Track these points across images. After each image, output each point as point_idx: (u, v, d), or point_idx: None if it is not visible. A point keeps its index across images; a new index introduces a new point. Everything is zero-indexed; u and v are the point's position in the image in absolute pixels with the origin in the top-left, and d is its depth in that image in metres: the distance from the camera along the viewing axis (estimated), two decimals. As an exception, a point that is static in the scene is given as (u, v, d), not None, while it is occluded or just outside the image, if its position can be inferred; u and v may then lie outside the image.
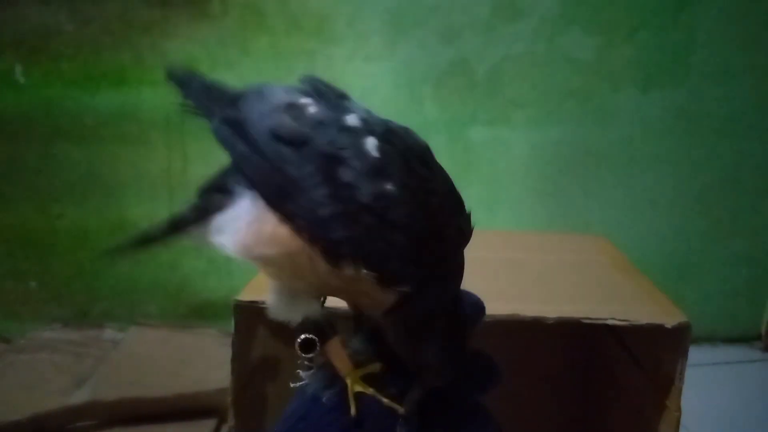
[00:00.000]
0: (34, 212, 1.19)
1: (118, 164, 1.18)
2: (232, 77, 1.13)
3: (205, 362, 0.99)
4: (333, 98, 0.40)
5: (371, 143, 0.37)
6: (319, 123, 0.38)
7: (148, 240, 0.46)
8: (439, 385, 0.41)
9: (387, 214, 0.36)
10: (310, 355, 0.41)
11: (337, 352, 0.40)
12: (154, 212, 1.20)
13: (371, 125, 0.39)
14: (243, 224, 0.39)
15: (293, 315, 0.41)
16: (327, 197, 0.36)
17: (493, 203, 1.18)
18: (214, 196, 0.42)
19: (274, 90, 0.41)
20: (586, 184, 1.23)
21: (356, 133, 0.38)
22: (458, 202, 0.41)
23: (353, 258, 0.36)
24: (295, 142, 0.38)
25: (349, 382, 0.40)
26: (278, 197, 0.38)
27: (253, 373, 0.73)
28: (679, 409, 0.62)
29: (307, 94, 0.40)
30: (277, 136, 0.38)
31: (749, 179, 1.25)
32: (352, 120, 0.38)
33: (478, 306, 0.46)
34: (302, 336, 0.41)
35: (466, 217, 0.41)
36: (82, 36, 1.14)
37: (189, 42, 1.14)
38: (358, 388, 0.40)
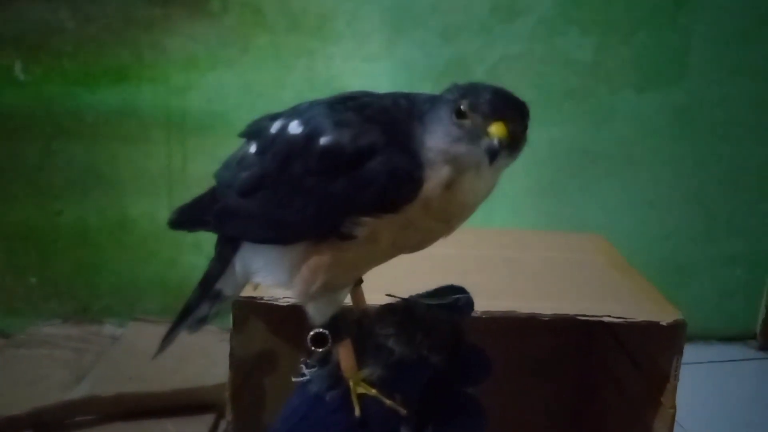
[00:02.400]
0: (35, 209, 1.20)
1: (119, 161, 1.18)
2: (232, 75, 1.15)
3: (203, 358, 1.00)
4: (265, 122, 0.41)
5: (293, 126, 0.38)
6: (260, 153, 0.39)
7: (188, 312, 0.47)
8: (448, 345, 0.42)
9: (341, 160, 0.35)
10: (320, 350, 0.41)
11: (346, 353, 0.40)
12: (154, 209, 1.20)
13: (292, 114, 0.39)
14: (285, 278, 0.40)
15: (332, 310, 0.41)
16: (302, 201, 0.37)
17: (490, 202, 1.17)
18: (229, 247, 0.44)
19: (228, 160, 0.43)
20: (584, 184, 1.24)
21: (281, 131, 0.38)
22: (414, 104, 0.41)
23: (355, 221, 0.36)
24: (255, 186, 0.39)
25: (352, 383, 0.40)
26: (282, 236, 0.39)
27: (251, 368, 0.74)
28: (674, 406, 0.63)
29: (249, 141, 0.42)
30: (243, 194, 0.39)
31: (746, 179, 1.26)
32: (275, 127, 0.39)
33: (484, 365, 0.46)
34: (315, 330, 0.41)
35: None
36: (83, 33, 1.14)
37: (189, 40, 1.15)
38: (361, 390, 0.40)
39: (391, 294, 0.45)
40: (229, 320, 0.64)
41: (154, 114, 1.17)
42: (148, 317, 1.17)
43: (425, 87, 1.16)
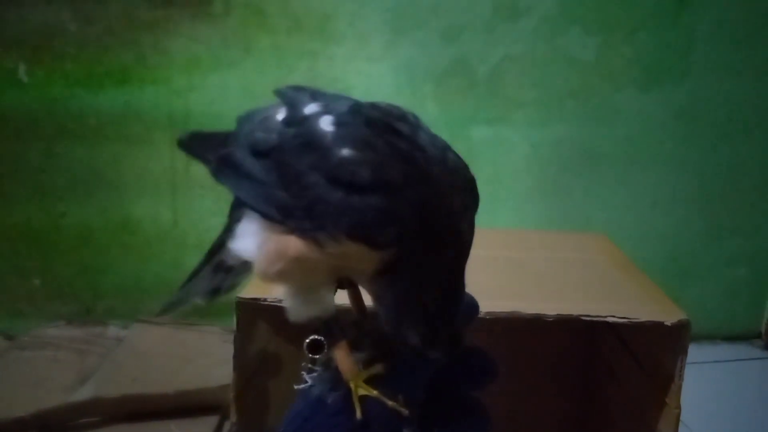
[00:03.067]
0: (38, 210, 1.20)
1: (122, 163, 1.18)
2: (234, 76, 1.15)
3: (207, 359, 1.00)
4: (304, 97, 0.41)
5: (326, 120, 0.38)
6: (285, 124, 0.39)
7: (197, 273, 0.47)
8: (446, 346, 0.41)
9: (354, 179, 0.35)
10: (317, 356, 0.41)
11: (344, 356, 0.40)
12: (158, 211, 1.20)
13: (331, 106, 0.39)
14: (254, 250, 0.40)
15: (310, 312, 0.40)
16: (299, 189, 0.37)
17: (493, 202, 1.18)
18: (237, 212, 0.43)
19: (256, 111, 0.43)
20: (587, 183, 1.24)
21: (313, 118, 0.38)
22: (454, 171, 0.39)
23: (335, 236, 0.36)
24: (267, 151, 0.39)
25: (352, 385, 0.40)
26: (268, 211, 0.38)
27: (255, 370, 0.74)
28: (678, 407, 0.62)
29: (281, 103, 0.42)
30: (255, 153, 0.39)
31: (750, 178, 1.26)
32: (310, 108, 0.39)
33: (471, 305, 0.46)
34: (310, 337, 0.41)
35: (469, 191, 0.40)
36: (86, 35, 1.14)
37: (191, 41, 1.15)
38: (362, 392, 0.39)
39: None
40: (233, 321, 0.64)
41: (156, 115, 1.17)
42: (151, 318, 1.17)
43: (427, 87, 1.17)
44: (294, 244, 0.37)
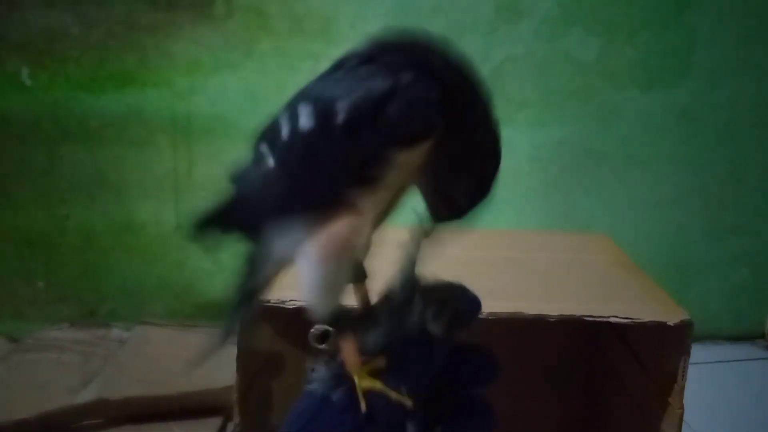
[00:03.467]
0: (41, 213, 1.20)
1: (125, 165, 1.19)
2: (235, 79, 1.16)
3: (210, 361, 1.00)
4: (268, 134, 0.41)
5: (303, 120, 0.38)
6: (279, 162, 0.40)
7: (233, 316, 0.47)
8: (451, 318, 0.42)
9: (363, 111, 0.36)
10: (323, 346, 0.41)
11: (349, 347, 0.41)
12: (161, 213, 1.21)
13: (290, 111, 0.39)
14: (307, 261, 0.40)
15: (333, 302, 0.41)
16: (323, 172, 0.37)
17: (495, 203, 1.18)
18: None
19: (238, 169, 0.44)
20: (588, 184, 1.24)
21: (292, 131, 0.38)
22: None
23: (387, 160, 0.37)
24: (275, 179, 0.40)
25: (356, 378, 0.40)
26: (305, 204, 0.39)
27: (259, 371, 0.74)
28: (681, 407, 0.62)
29: (258, 153, 0.42)
30: (267, 184, 0.40)
31: (752, 178, 1.26)
32: (284, 131, 0.39)
33: (474, 303, 0.46)
34: (317, 327, 0.41)
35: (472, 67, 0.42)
36: (88, 39, 1.14)
37: (193, 44, 1.15)
38: (366, 384, 0.40)
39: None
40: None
41: (159, 118, 1.17)
42: (154, 321, 1.18)
43: (429, 88, 1.17)
44: (341, 218, 0.38)
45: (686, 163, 1.24)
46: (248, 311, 0.47)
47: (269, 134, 0.41)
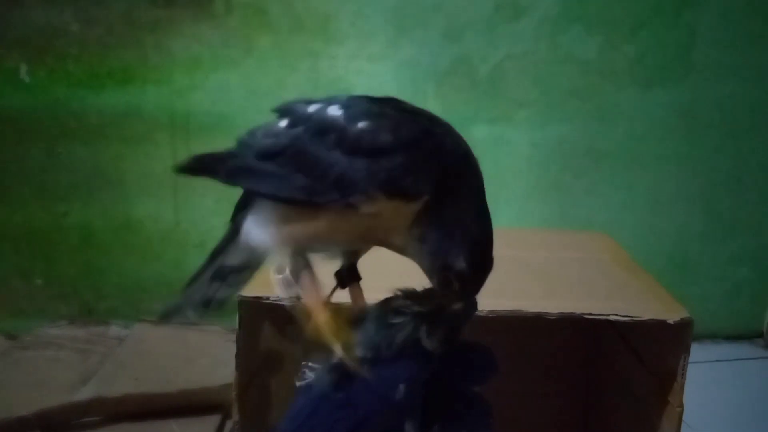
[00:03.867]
0: (40, 210, 1.20)
1: (124, 163, 1.19)
2: (235, 76, 1.16)
3: (209, 359, 1.00)
4: (301, 105, 0.43)
5: (333, 108, 0.41)
6: (291, 127, 0.42)
7: (197, 277, 0.49)
8: (457, 300, 0.43)
9: (375, 144, 0.39)
10: (280, 276, 0.42)
11: (309, 280, 0.42)
12: (159, 210, 1.20)
13: (331, 100, 0.42)
14: (269, 235, 0.43)
15: (285, 246, 0.43)
16: (321, 170, 0.39)
17: (495, 201, 1.17)
18: (241, 214, 0.46)
19: (255, 128, 0.45)
20: (588, 182, 1.24)
21: (319, 111, 0.41)
22: (455, 135, 0.44)
23: (370, 196, 0.38)
24: (277, 153, 0.41)
25: (315, 313, 0.41)
26: (290, 194, 0.41)
27: (258, 369, 0.74)
28: (681, 405, 0.62)
29: (279, 117, 0.44)
30: (264, 156, 0.42)
31: (751, 177, 1.26)
32: (312, 107, 0.42)
33: (489, 366, 0.47)
34: (280, 272, 0.42)
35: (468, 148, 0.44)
36: (87, 36, 1.14)
37: (193, 41, 1.15)
38: (323, 319, 0.41)
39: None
40: (235, 320, 0.64)
41: (158, 115, 1.17)
42: (153, 318, 1.18)
43: (429, 86, 1.17)
44: (324, 214, 0.40)
45: (686, 162, 1.24)
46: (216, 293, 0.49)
47: (294, 112, 0.43)
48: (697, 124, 1.23)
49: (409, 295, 0.43)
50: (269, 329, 0.75)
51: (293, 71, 1.16)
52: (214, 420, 0.92)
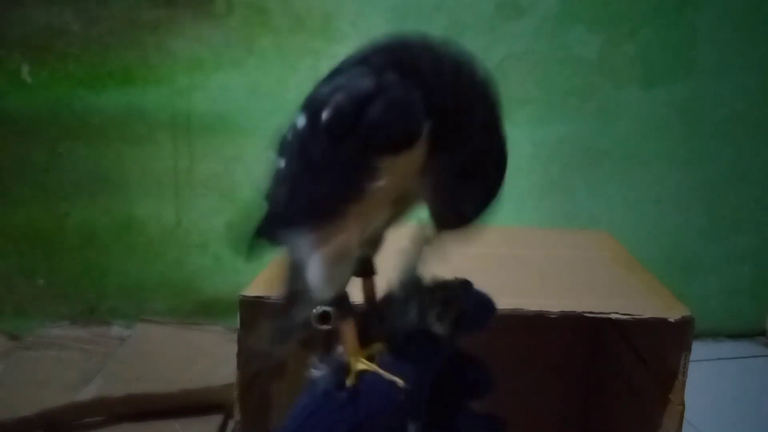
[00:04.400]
0: (42, 210, 1.20)
1: (125, 163, 1.19)
2: (236, 76, 1.16)
3: (211, 358, 1.00)
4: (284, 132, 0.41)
5: (300, 119, 0.38)
6: (286, 161, 0.40)
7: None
8: (455, 317, 0.42)
9: (343, 117, 0.36)
10: (326, 327, 0.41)
11: (349, 331, 0.41)
12: (161, 210, 1.21)
13: (302, 106, 0.39)
14: (309, 261, 0.41)
15: (335, 287, 0.41)
16: (312, 179, 0.38)
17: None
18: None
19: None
20: (589, 181, 1.24)
21: (292, 128, 0.39)
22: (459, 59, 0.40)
23: (374, 167, 0.36)
24: (285, 192, 0.40)
25: (352, 360, 0.40)
26: (312, 223, 0.39)
27: (259, 368, 0.74)
28: (682, 403, 0.62)
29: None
30: (278, 199, 0.40)
31: (753, 175, 1.25)
32: (288, 129, 0.39)
33: (487, 307, 0.46)
34: (319, 308, 0.41)
35: (477, 67, 0.40)
36: (89, 36, 1.14)
37: (194, 41, 1.15)
38: (362, 366, 0.40)
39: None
40: (236, 320, 0.64)
41: (159, 115, 1.17)
42: (155, 318, 1.18)
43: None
44: (346, 213, 0.38)
45: (687, 161, 1.24)
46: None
47: (280, 141, 0.41)
48: (698, 123, 1.22)
49: (412, 284, 0.43)
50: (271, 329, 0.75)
51: (294, 71, 1.16)
52: (216, 420, 0.92)
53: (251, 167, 1.13)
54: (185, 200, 1.20)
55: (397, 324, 0.42)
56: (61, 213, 1.21)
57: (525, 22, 1.17)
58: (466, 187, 0.39)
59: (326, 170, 0.37)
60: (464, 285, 0.45)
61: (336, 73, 0.39)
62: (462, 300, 0.43)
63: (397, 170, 0.37)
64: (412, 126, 0.36)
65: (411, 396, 0.40)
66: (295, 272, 0.44)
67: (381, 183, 0.36)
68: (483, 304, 0.46)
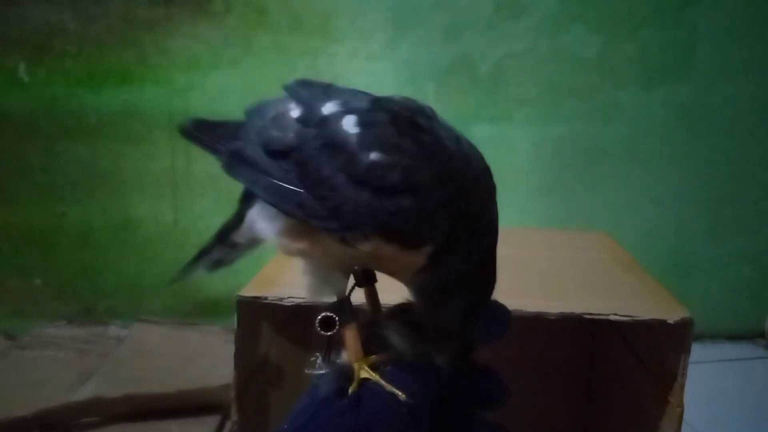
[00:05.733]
0: (39, 210, 1.20)
1: (122, 162, 1.18)
2: (234, 75, 1.15)
3: (208, 359, 1.00)
4: (317, 94, 0.41)
5: (349, 121, 0.37)
6: (302, 123, 0.39)
7: (203, 254, 0.48)
8: (456, 352, 0.42)
9: (384, 182, 0.35)
10: (328, 333, 0.41)
11: (352, 337, 0.41)
12: (158, 210, 1.20)
13: (351, 105, 0.39)
14: (271, 231, 0.41)
15: (328, 291, 0.41)
16: (324, 191, 0.37)
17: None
18: (247, 203, 0.44)
19: (266, 105, 0.43)
20: (589, 182, 1.23)
21: (334, 118, 0.38)
22: (473, 159, 0.41)
23: (367, 236, 0.36)
24: (284, 152, 0.39)
25: (355, 367, 0.40)
26: (288, 208, 0.39)
27: (256, 369, 0.74)
28: (681, 405, 0.62)
29: (292, 99, 0.42)
30: (270, 152, 0.39)
31: (752, 176, 1.25)
32: (328, 108, 0.39)
33: (503, 321, 0.46)
34: (323, 313, 0.41)
35: (489, 175, 0.42)
36: (86, 35, 1.14)
37: (192, 40, 1.15)
38: (364, 375, 0.40)
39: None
40: (234, 320, 0.64)
41: (157, 114, 1.17)
42: (152, 318, 1.18)
43: (429, 85, 1.17)
44: (314, 241, 0.38)
45: (687, 161, 1.24)
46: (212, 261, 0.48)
47: (308, 104, 0.40)
48: (698, 123, 1.22)
49: (415, 315, 0.43)
50: (268, 329, 0.75)
51: (292, 70, 1.16)
52: (213, 420, 0.92)
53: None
54: (182, 200, 1.20)
55: (400, 349, 0.42)
56: (58, 212, 1.20)
57: (524, 21, 1.16)
58: (450, 299, 0.40)
59: (332, 184, 0.37)
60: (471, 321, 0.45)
61: (416, 114, 0.39)
62: (461, 333, 0.42)
63: (382, 252, 0.37)
64: (424, 237, 0.37)
65: (412, 409, 0.39)
66: (238, 222, 0.45)
67: (365, 252, 0.37)
68: (498, 317, 0.46)
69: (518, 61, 1.17)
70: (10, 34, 1.14)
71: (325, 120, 0.38)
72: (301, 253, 0.40)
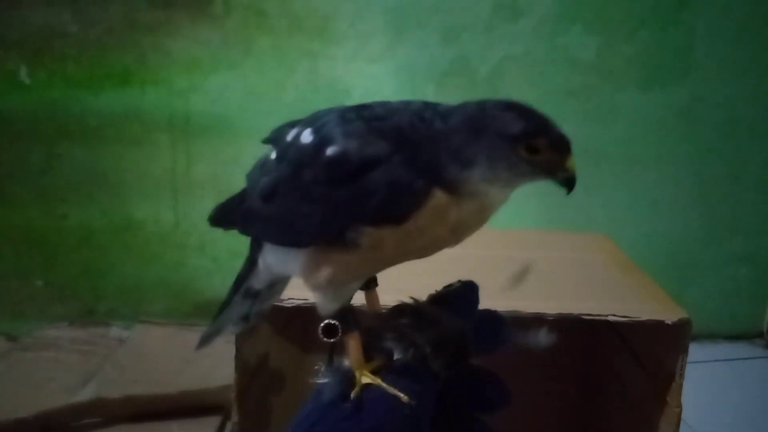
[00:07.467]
0: (40, 212, 1.20)
1: (123, 164, 1.19)
2: (234, 77, 1.16)
3: (209, 360, 1.00)
4: (285, 128, 0.42)
5: (306, 134, 0.38)
6: (278, 160, 0.41)
7: (224, 309, 0.49)
8: (451, 360, 0.42)
9: (346, 170, 0.36)
10: (331, 340, 0.42)
11: (355, 345, 0.41)
12: (159, 212, 1.21)
13: (308, 121, 0.40)
14: (292, 269, 0.42)
15: (339, 304, 0.42)
16: (310, 208, 0.38)
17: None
18: (256, 245, 0.45)
19: (257, 162, 0.44)
20: (587, 183, 1.24)
21: (295, 139, 0.39)
22: (414, 103, 0.41)
23: (360, 231, 0.36)
24: (272, 191, 0.40)
25: (357, 373, 0.40)
26: (295, 242, 0.40)
27: (257, 370, 0.74)
28: (679, 405, 0.62)
29: (272, 144, 0.43)
30: (263, 198, 0.41)
31: (750, 177, 1.26)
32: (291, 134, 0.40)
33: (496, 332, 0.47)
34: (326, 321, 0.42)
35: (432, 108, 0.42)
36: (86, 37, 1.14)
37: (192, 42, 1.15)
38: (366, 380, 0.40)
39: (413, 297, 0.45)
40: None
41: (157, 117, 1.17)
42: (153, 319, 1.18)
43: (428, 87, 1.17)
44: (329, 258, 0.38)
45: (685, 163, 1.24)
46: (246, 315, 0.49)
47: (279, 140, 0.41)
48: (696, 125, 1.23)
49: (413, 316, 0.43)
50: (268, 331, 0.75)
51: (292, 72, 1.16)
52: (214, 421, 0.92)
53: (249, 169, 1.13)
54: (183, 202, 1.20)
55: (399, 350, 0.42)
56: (59, 214, 1.21)
57: (523, 23, 1.17)
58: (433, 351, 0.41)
59: (311, 199, 0.37)
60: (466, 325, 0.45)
61: (362, 109, 0.39)
62: (459, 338, 0.43)
63: (385, 240, 0.37)
64: (404, 206, 0.36)
65: (415, 412, 0.40)
66: (251, 266, 0.46)
67: (363, 249, 0.37)
68: (491, 329, 0.46)
69: (517, 63, 1.18)
70: (10, 36, 1.14)
71: (289, 146, 0.40)
72: (331, 280, 0.40)
